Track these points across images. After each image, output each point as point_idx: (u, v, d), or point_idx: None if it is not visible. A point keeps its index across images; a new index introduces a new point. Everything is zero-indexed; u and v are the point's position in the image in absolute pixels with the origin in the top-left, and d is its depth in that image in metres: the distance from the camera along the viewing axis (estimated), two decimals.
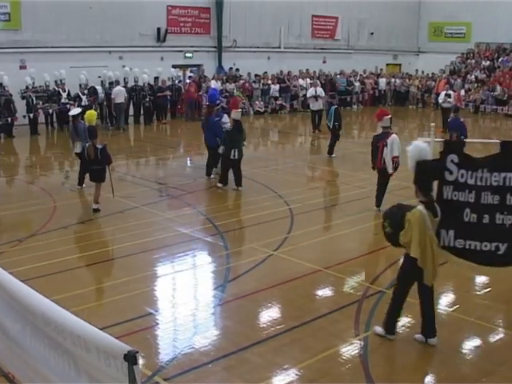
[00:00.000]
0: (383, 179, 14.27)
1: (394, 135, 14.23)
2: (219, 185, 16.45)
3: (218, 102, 20.97)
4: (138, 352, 3.75)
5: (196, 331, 8.65)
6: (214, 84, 31.56)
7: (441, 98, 29.19)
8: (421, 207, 7.92)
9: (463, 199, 8.21)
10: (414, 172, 8.25)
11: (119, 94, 27.38)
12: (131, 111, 29.10)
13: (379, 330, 8.49)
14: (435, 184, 8.32)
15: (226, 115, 18.25)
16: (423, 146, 8.45)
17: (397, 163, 13.88)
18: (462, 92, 36.20)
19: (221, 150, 16.48)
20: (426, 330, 8.33)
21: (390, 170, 14.00)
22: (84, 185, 16.10)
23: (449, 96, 28.76)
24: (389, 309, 8.50)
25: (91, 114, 15.46)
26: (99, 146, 14.20)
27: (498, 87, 36.56)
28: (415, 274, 8.07)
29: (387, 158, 13.92)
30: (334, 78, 37.19)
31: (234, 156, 16.24)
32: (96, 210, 14.08)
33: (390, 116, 14.80)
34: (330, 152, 21.04)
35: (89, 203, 14.88)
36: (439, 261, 8.23)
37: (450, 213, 8.20)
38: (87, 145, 14.45)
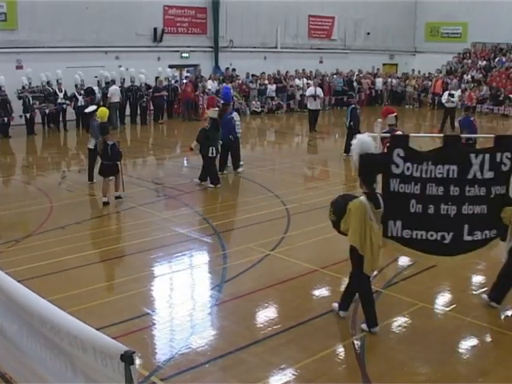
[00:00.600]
0: None
1: (398, 132, 14.34)
2: (211, 185, 16.50)
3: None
4: (134, 352, 3.76)
5: (193, 331, 8.65)
6: (210, 84, 31.64)
7: (444, 98, 29.04)
8: (362, 198, 8.36)
9: (409, 191, 8.53)
10: (358, 164, 8.59)
11: (115, 94, 27.55)
12: (128, 111, 29.12)
13: (364, 326, 8.58)
14: (379, 176, 8.61)
15: (236, 113, 19.26)
16: (366, 139, 8.76)
17: None
18: (459, 92, 36.27)
19: (194, 145, 17.01)
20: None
21: None
22: (94, 180, 16.46)
23: (452, 96, 28.81)
24: (361, 303, 8.72)
25: (103, 111, 16.07)
26: (110, 143, 14.75)
27: (485, 87, 36.73)
28: (357, 262, 8.43)
29: None
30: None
31: (213, 154, 16.53)
32: (118, 198, 14.97)
33: (395, 114, 15.30)
34: (347, 151, 20.49)
35: (86, 203, 14.95)
36: (379, 251, 8.58)
37: (396, 204, 8.58)
38: (98, 140, 15.20)
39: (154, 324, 8.78)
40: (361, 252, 8.33)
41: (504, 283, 9.32)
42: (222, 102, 20.03)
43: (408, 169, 8.49)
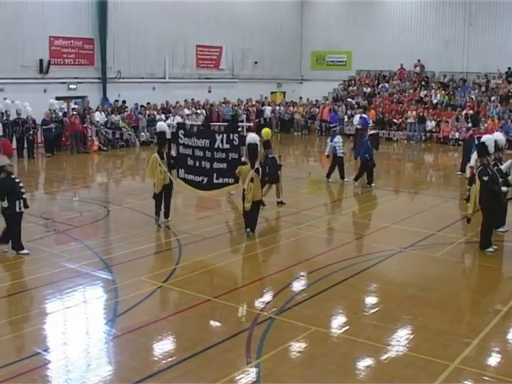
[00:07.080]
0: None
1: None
2: (24, 252, 13.50)
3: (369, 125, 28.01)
4: None
5: (87, 369, 8.45)
6: (98, 116, 31.41)
7: (356, 120, 32.52)
8: (156, 154, 15.71)
9: (187, 153, 15.94)
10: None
11: None
12: (14, 144, 28.29)
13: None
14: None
15: (338, 136, 22.23)
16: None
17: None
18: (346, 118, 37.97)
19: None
20: None
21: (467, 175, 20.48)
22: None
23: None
24: None
25: (267, 131, 19.08)
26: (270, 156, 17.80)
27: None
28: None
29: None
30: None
31: (20, 208, 13.19)
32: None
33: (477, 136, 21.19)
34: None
35: None
36: (162, 182, 15.57)
37: (182, 160, 16.03)
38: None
39: (45, 364, 8.50)
40: (152, 179, 15.71)
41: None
42: (359, 127, 27.21)
43: (186, 141, 15.92)
